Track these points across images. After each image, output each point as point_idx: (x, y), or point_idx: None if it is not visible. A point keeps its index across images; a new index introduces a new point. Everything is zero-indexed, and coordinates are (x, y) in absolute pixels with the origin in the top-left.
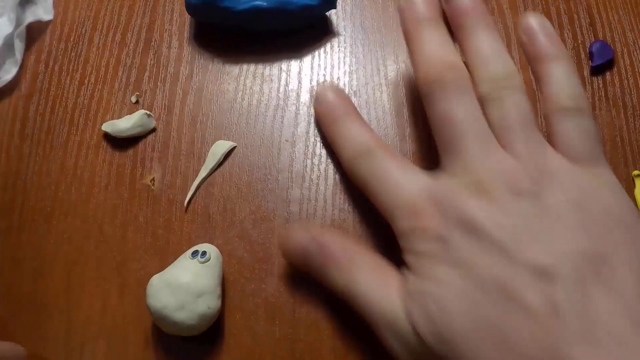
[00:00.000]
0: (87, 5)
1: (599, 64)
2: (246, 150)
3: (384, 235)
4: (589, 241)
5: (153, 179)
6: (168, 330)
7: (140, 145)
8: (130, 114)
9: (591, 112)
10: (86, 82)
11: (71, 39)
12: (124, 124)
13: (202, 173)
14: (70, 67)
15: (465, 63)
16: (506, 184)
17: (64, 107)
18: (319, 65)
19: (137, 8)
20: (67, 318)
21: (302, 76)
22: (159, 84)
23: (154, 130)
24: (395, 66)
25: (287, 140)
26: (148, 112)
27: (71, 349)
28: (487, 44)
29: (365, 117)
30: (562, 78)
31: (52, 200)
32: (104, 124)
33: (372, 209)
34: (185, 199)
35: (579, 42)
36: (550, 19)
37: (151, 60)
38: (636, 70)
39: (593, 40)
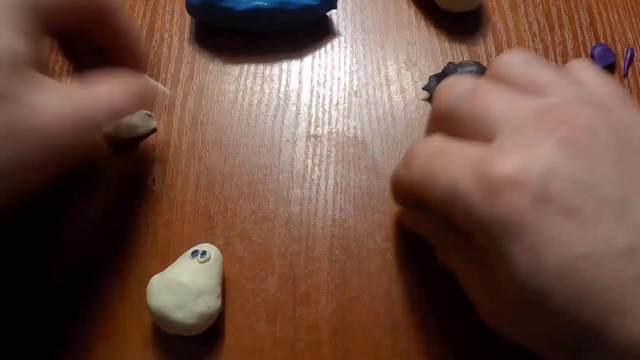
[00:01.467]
0: None
1: (600, 68)
2: (247, 150)
3: (383, 234)
4: None
5: (154, 179)
6: (168, 330)
7: (141, 145)
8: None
9: None
10: None
11: None
12: (125, 125)
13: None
14: (71, 68)
15: None
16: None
17: None
18: (320, 65)
19: (137, 8)
20: (68, 318)
21: (302, 76)
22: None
23: (154, 130)
24: (395, 66)
25: (287, 140)
26: (149, 113)
27: (72, 349)
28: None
29: (365, 117)
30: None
31: (53, 200)
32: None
33: (372, 209)
34: (185, 199)
35: (579, 42)
36: (550, 19)
37: (152, 60)
38: (636, 70)
39: (594, 40)
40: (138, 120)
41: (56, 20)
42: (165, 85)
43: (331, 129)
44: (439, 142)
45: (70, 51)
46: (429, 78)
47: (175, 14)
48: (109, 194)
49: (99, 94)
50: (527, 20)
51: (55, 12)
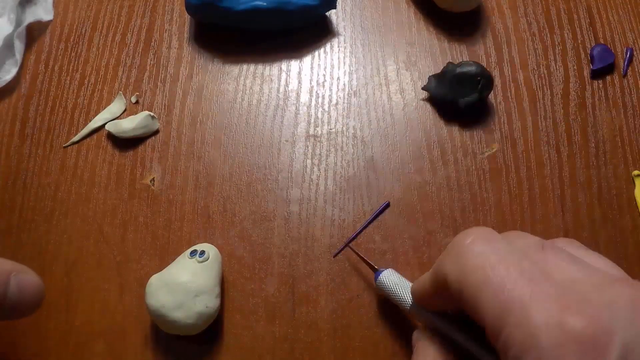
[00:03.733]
0: (87, 6)
1: (600, 68)
2: (246, 150)
3: (382, 234)
4: None
5: (153, 179)
6: (167, 330)
7: (141, 145)
8: (130, 114)
9: None
10: (86, 82)
11: (71, 39)
12: (128, 125)
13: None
14: (70, 68)
15: None
16: None
17: (64, 108)
18: (319, 65)
19: (137, 8)
20: (67, 318)
21: (302, 76)
22: (158, 84)
23: (157, 132)
24: (395, 66)
25: (287, 141)
26: (152, 114)
27: (71, 349)
28: None
29: (365, 117)
30: None
31: (52, 200)
32: (107, 124)
33: (371, 209)
34: (185, 199)
35: (579, 42)
36: (550, 19)
37: (151, 60)
38: (636, 70)
39: (593, 40)
40: (141, 121)
41: None
42: (165, 85)
43: (330, 129)
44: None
45: None
46: (428, 78)
47: (174, 14)
48: (108, 193)
49: None
50: (527, 20)
51: None
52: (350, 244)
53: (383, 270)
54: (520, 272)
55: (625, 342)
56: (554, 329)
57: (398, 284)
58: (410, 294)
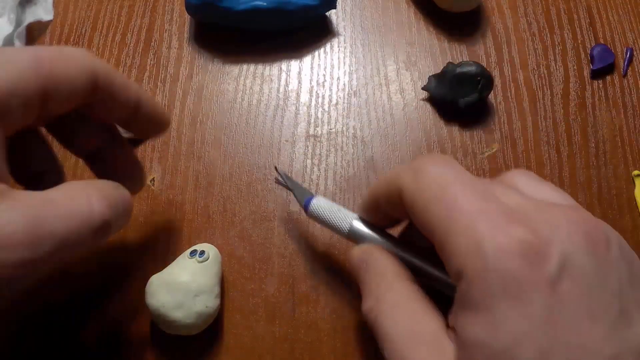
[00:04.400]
0: (87, 6)
1: (600, 68)
2: (246, 150)
3: None
4: None
5: (153, 179)
6: (167, 329)
7: (141, 145)
8: None
9: None
10: None
11: (71, 40)
12: None
13: None
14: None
15: None
16: None
17: None
18: (319, 65)
19: (137, 8)
20: (68, 318)
21: (302, 76)
22: (158, 84)
23: None
24: (395, 66)
25: (287, 141)
26: None
27: (72, 349)
28: None
29: (365, 117)
30: None
31: None
32: None
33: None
34: (185, 199)
35: (579, 42)
36: (550, 19)
37: (151, 60)
38: (636, 70)
39: (593, 40)
40: None
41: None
42: (165, 85)
43: (330, 129)
44: (455, 169)
45: (72, 142)
46: (428, 78)
47: (174, 14)
48: None
49: (68, 202)
50: (527, 20)
51: (14, 112)
52: (277, 167)
53: (312, 198)
54: (473, 191)
55: (564, 253)
56: (498, 236)
57: (332, 209)
58: (343, 218)
